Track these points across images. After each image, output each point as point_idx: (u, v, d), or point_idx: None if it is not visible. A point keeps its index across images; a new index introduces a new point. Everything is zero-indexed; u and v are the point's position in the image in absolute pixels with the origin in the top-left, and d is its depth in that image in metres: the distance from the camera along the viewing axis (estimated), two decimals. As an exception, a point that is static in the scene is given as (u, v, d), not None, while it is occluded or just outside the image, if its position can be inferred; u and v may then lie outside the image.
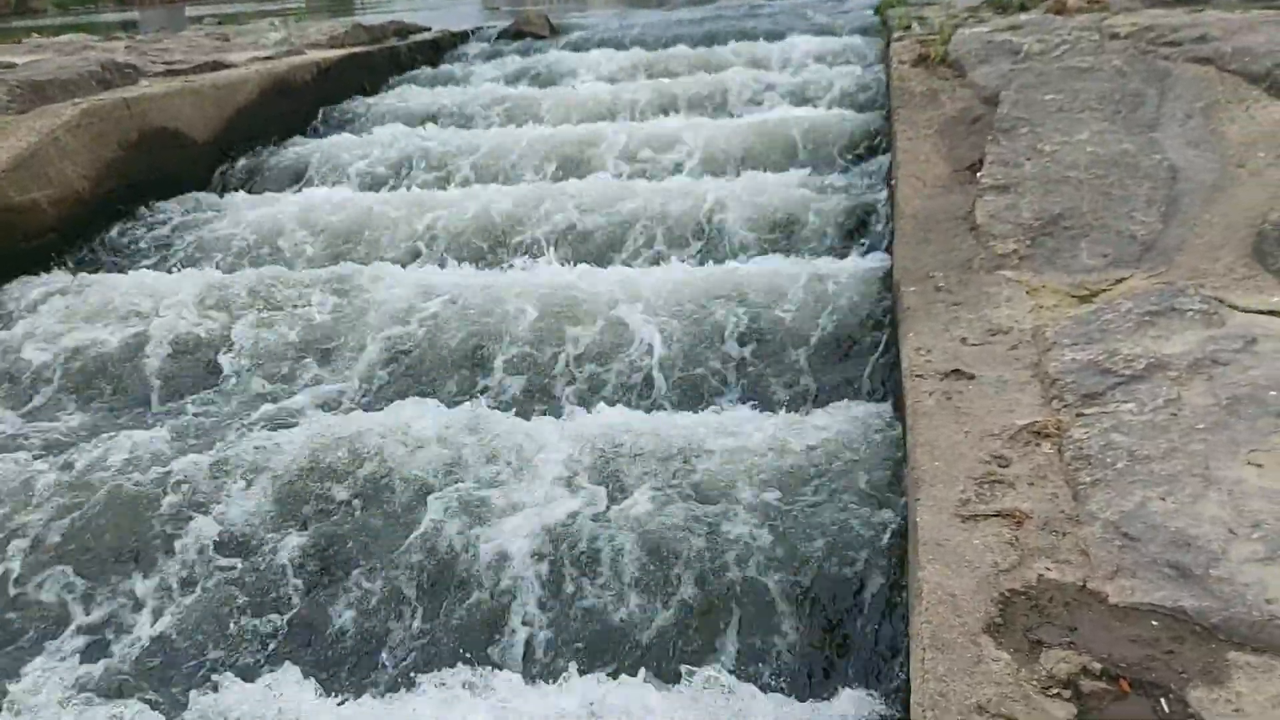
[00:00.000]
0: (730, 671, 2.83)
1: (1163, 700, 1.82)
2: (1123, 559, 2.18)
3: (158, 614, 3.25)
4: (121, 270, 5.60)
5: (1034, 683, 1.88)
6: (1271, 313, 3.12)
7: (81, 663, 3.10)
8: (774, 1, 13.61)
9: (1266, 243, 3.47)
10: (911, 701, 1.94)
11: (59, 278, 5.44)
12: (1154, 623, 2.00)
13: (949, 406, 2.92)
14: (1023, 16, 6.46)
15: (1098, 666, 1.90)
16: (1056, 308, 3.42)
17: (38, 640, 3.22)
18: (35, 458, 3.97)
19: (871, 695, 2.70)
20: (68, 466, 3.84)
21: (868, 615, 2.97)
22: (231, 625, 3.19)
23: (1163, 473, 2.43)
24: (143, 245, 6.06)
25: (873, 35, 9.34)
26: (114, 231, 6.17)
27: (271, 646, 3.13)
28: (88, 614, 3.29)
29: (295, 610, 3.23)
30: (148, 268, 5.65)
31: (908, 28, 7.28)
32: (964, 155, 4.69)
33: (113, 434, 4.03)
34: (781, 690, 2.80)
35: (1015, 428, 2.75)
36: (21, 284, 5.38)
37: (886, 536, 3.06)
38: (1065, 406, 2.80)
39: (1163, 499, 2.34)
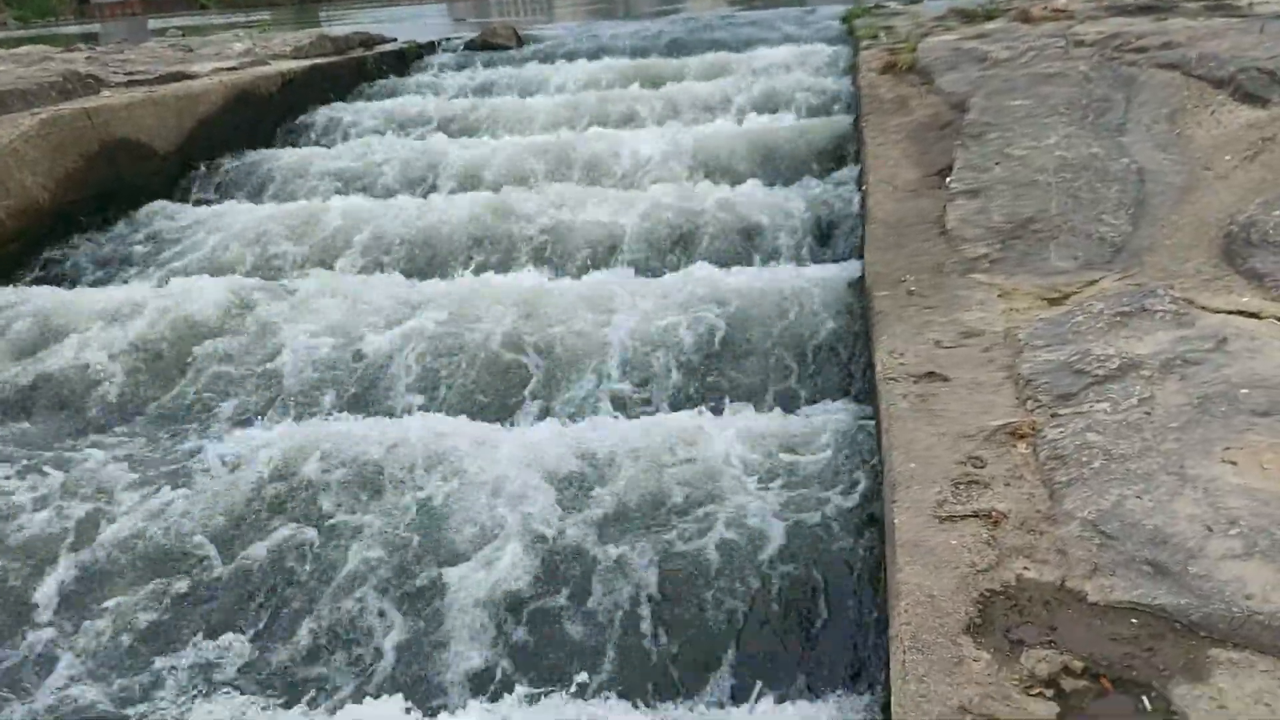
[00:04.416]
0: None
1: (1145, 698, 1.80)
2: (1101, 557, 2.16)
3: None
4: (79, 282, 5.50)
5: (1015, 682, 1.86)
6: (1241, 313, 3.13)
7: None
8: (741, 12, 13.65)
9: (1234, 244, 3.49)
10: (892, 703, 1.91)
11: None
12: (1133, 620, 1.98)
13: (924, 409, 2.90)
14: (989, 25, 6.50)
15: (1079, 665, 1.88)
16: (1028, 310, 3.42)
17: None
18: None
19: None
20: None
21: (844, 616, 2.96)
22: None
23: (1138, 471, 2.42)
24: (104, 254, 5.96)
25: (840, 45, 9.38)
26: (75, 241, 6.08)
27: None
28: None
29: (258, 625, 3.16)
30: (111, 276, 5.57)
31: (875, 37, 7.32)
32: (934, 160, 4.70)
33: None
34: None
35: (990, 429, 2.73)
36: None
37: (863, 537, 3.04)
38: (1040, 407, 2.79)
39: (1139, 497, 2.33)
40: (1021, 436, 2.68)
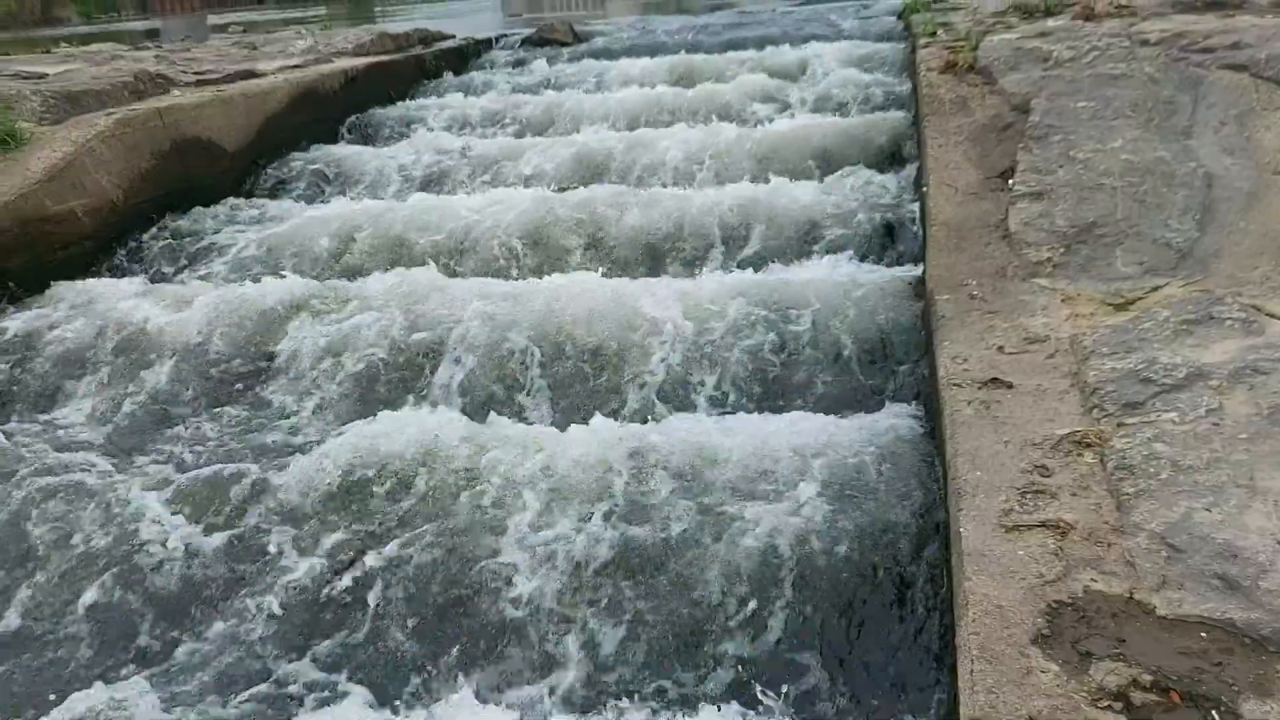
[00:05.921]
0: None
1: (1214, 712, 1.82)
2: (1169, 570, 2.18)
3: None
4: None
5: (1084, 694, 1.89)
6: (1311, 322, 3.11)
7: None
8: (797, 8, 13.59)
9: (1304, 251, 3.46)
10: (961, 714, 1.95)
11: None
12: (1202, 634, 2.00)
13: (988, 416, 2.93)
14: (1050, 23, 6.44)
15: (1148, 678, 1.91)
16: (1093, 316, 3.42)
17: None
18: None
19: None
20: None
21: (905, 625, 2.99)
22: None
23: (1207, 483, 2.43)
24: (177, 253, 6.12)
25: (897, 41, 9.33)
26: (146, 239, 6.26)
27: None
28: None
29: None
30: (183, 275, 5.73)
31: (933, 34, 7.26)
32: (995, 163, 4.69)
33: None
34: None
35: (1056, 437, 2.75)
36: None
37: (925, 545, 3.07)
38: (1106, 416, 2.81)
39: (1208, 510, 2.34)
40: (1088, 446, 2.70)
